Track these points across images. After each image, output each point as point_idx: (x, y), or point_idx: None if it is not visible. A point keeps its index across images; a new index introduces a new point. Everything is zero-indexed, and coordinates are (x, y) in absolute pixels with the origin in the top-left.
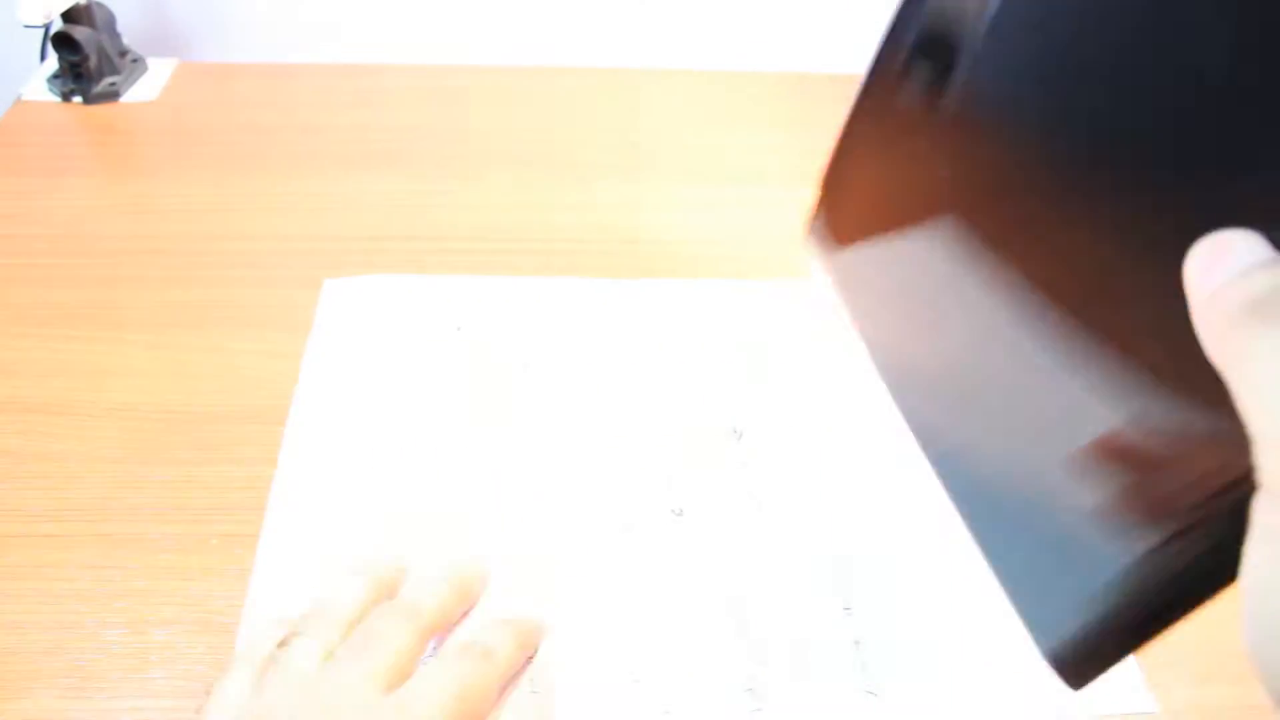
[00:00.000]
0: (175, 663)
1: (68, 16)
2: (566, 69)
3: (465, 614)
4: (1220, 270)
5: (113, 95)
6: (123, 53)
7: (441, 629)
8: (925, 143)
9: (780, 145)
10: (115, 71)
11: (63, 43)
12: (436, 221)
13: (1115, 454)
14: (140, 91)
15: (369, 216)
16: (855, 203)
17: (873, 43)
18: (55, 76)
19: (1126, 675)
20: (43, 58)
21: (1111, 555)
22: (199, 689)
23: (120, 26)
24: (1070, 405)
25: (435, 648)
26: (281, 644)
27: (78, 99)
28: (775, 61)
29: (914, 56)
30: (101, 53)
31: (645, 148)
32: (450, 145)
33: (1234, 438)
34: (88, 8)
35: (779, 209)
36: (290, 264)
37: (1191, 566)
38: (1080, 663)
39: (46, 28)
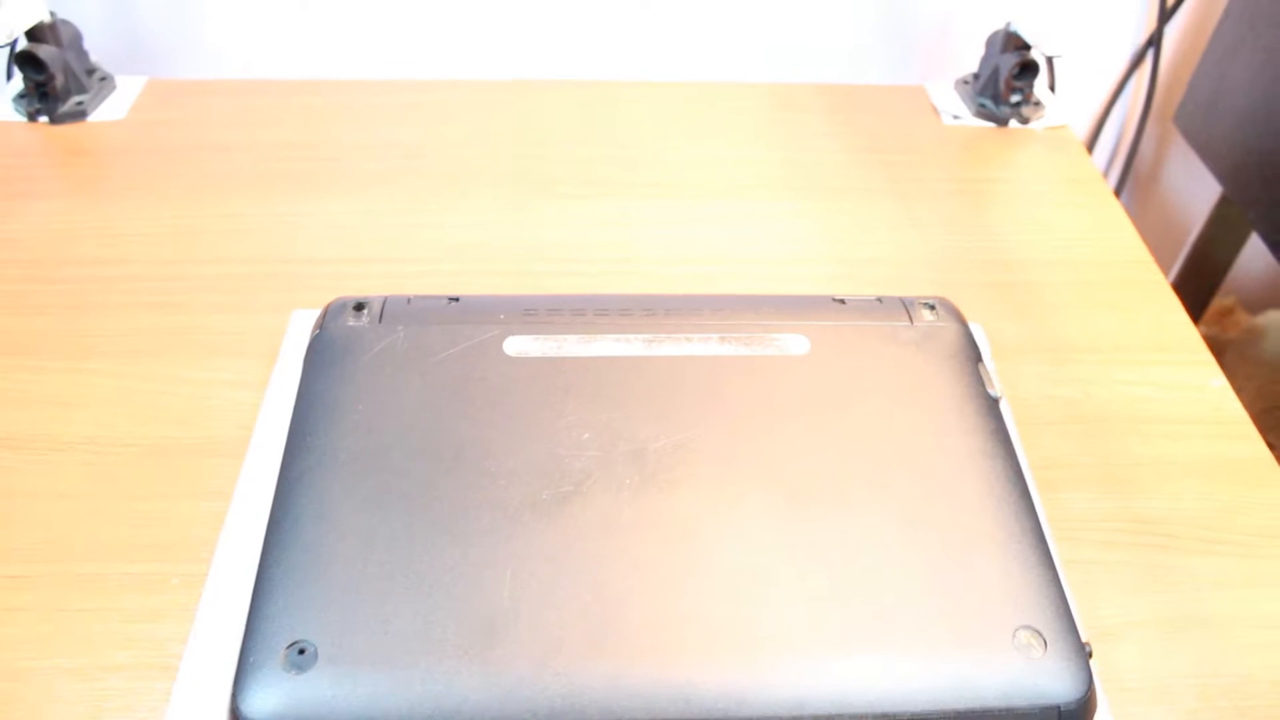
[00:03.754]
0: (132, 710)
1: (32, 34)
2: (550, 82)
3: None
4: None
5: (80, 115)
6: (90, 70)
7: None
8: None
9: (768, 158)
10: (82, 90)
11: (27, 61)
12: (414, 242)
13: None
14: (108, 110)
15: (344, 238)
16: None
17: (859, 54)
18: (21, 96)
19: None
20: (8, 77)
21: None
22: None
23: (87, 44)
24: None
25: None
26: None
27: (44, 119)
28: (763, 73)
29: None
30: (68, 71)
31: (632, 162)
32: (429, 163)
33: None
34: (53, 25)
35: (768, 222)
36: (260, 289)
37: None
38: None
39: (10, 46)
